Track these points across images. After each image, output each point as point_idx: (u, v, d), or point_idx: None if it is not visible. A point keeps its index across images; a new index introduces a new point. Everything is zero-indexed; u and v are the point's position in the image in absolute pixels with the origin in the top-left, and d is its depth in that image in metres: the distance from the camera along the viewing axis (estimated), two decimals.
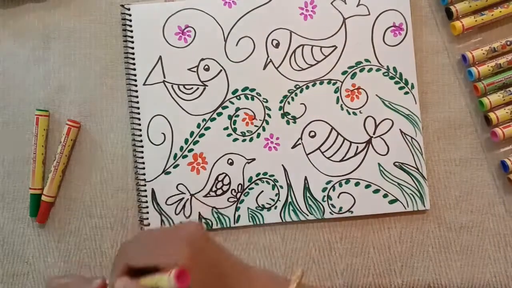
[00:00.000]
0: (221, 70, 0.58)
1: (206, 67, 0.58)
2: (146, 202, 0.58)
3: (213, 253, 0.41)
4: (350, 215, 0.58)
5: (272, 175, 0.58)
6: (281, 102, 0.59)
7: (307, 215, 0.58)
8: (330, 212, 0.58)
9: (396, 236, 0.58)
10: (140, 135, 0.58)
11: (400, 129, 0.58)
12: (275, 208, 0.58)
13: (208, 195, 0.58)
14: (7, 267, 0.59)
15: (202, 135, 0.58)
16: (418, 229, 0.59)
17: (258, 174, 0.58)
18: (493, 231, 0.58)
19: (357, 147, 0.58)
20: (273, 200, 0.58)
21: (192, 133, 0.58)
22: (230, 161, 0.58)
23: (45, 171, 0.59)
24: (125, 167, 0.59)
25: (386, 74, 0.58)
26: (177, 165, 0.58)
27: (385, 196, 0.58)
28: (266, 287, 0.43)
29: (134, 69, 0.58)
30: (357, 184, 0.58)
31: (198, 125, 0.58)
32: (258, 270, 0.45)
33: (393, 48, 0.58)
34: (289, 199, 0.58)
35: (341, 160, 0.58)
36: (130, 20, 0.58)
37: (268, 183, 0.58)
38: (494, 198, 0.59)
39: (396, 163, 0.58)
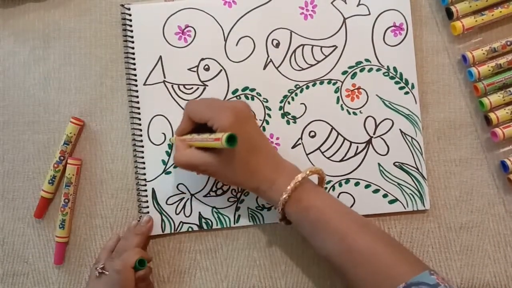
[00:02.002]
0: (221, 70, 0.58)
1: (206, 67, 0.58)
2: (147, 202, 0.58)
3: (251, 129, 0.51)
4: None
5: (275, 206, 0.58)
6: (281, 102, 0.59)
7: None
8: None
9: (396, 236, 0.58)
10: (141, 135, 0.58)
11: (400, 129, 0.58)
12: (275, 208, 0.58)
13: (208, 195, 0.58)
14: (7, 267, 0.59)
15: None
16: (418, 229, 0.59)
17: None
18: (493, 231, 0.58)
19: (357, 147, 0.58)
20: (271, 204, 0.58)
21: None
22: None
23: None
24: (125, 167, 0.59)
25: (387, 74, 0.58)
26: None
27: (385, 196, 0.58)
28: (287, 169, 0.52)
29: (134, 69, 0.58)
30: (357, 184, 0.58)
31: None
32: (284, 159, 0.53)
33: (394, 48, 0.58)
34: None
35: (341, 160, 0.58)
36: (130, 20, 0.58)
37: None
38: (494, 198, 0.59)
39: (396, 163, 0.58)
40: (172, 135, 0.58)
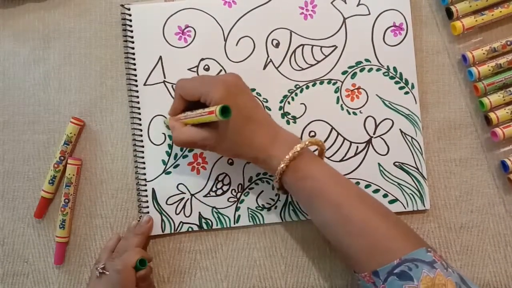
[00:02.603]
0: (221, 70, 0.58)
1: (206, 67, 0.58)
2: (147, 202, 0.58)
3: (245, 100, 0.51)
4: None
5: (272, 175, 0.58)
6: (281, 102, 0.59)
7: (307, 215, 0.58)
8: None
9: None
10: (141, 135, 0.58)
11: (400, 129, 0.58)
12: (275, 208, 0.58)
13: (208, 195, 0.58)
14: (7, 267, 0.59)
15: None
16: (418, 229, 0.59)
17: (258, 174, 0.58)
18: (493, 231, 0.58)
19: (357, 147, 0.58)
20: (273, 200, 0.58)
21: None
22: (230, 161, 0.58)
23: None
24: (125, 167, 0.59)
25: (386, 74, 0.58)
26: (178, 165, 0.58)
27: (385, 196, 0.58)
28: (285, 138, 0.52)
29: (135, 69, 0.58)
30: (357, 184, 0.58)
31: None
32: (281, 127, 0.53)
33: (393, 48, 0.58)
34: (289, 199, 0.58)
35: (341, 160, 0.58)
36: (130, 20, 0.58)
37: (268, 183, 0.58)
38: (494, 198, 0.59)
39: (396, 163, 0.58)
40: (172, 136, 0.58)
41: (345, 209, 0.48)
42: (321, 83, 0.59)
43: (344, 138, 0.58)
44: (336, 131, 0.58)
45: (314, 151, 0.54)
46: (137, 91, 0.58)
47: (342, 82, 0.59)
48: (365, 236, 0.47)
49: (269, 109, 0.58)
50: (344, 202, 0.49)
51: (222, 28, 0.58)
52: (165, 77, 0.58)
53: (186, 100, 0.53)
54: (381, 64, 0.58)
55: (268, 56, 0.59)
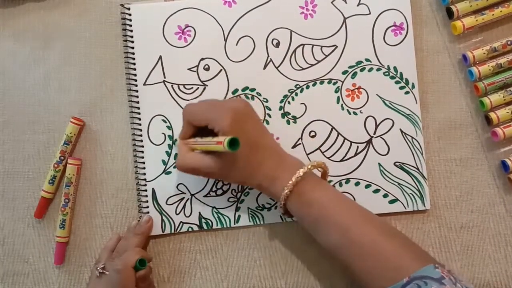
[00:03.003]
0: (221, 70, 0.58)
1: (206, 66, 0.58)
2: (147, 202, 0.58)
3: (252, 128, 0.51)
4: None
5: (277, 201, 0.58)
6: (281, 102, 0.59)
7: None
8: None
9: None
10: (141, 135, 0.58)
11: (400, 129, 0.58)
12: (275, 208, 0.58)
13: (209, 195, 0.58)
14: (7, 267, 0.59)
15: None
16: (419, 229, 0.59)
17: None
18: (493, 231, 0.58)
19: (358, 147, 0.58)
20: (273, 200, 0.58)
21: None
22: None
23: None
24: (125, 167, 0.59)
25: (387, 73, 0.58)
26: None
27: (385, 196, 0.58)
28: (290, 164, 0.52)
29: (134, 69, 0.58)
30: (357, 184, 0.58)
31: None
32: (287, 153, 0.53)
33: (394, 48, 0.58)
34: None
35: (342, 160, 0.58)
36: (130, 20, 0.58)
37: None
38: (494, 198, 0.59)
39: (397, 163, 0.58)
40: (172, 135, 0.58)
41: (352, 232, 0.48)
42: (322, 83, 0.59)
43: (345, 138, 0.58)
44: (337, 131, 0.58)
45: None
46: (137, 91, 0.58)
47: (343, 82, 0.58)
48: (373, 257, 0.47)
49: (269, 109, 0.58)
50: (350, 225, 0.49)
51: (222, 28, 0.58)
52: (165, 77, 0.58)
53: (194, 125, 0.53)
54: (381, 64, 0.58)
55: (268, 56, 0.58)
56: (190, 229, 0.58)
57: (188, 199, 0.58)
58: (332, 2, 0.58)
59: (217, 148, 0.47)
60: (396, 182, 0.58)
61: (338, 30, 0.58)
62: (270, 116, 0.58)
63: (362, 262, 0.48)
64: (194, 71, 0.58)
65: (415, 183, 0.58)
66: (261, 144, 0.51)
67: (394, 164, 0.58)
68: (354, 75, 0.58)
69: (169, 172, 0.58)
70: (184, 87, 0.58)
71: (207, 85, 0.58)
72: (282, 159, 0.52)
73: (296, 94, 0.59)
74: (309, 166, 0.50)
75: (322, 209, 0.50)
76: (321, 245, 0.51)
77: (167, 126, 0.58)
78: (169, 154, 0.58)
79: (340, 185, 0.58)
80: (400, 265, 0.47)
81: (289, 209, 0.51)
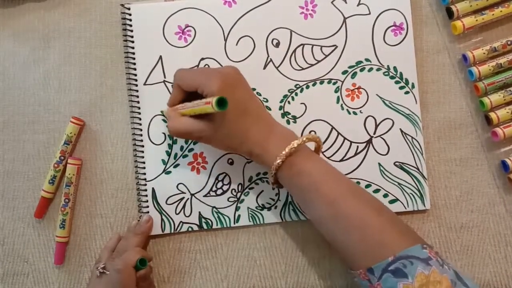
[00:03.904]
0: None
1: (206, 66, 0.58)
2: (147, 201, 0.58)
3: (241, 93, 0.51)
4: None
5: (268, 170, 0.58)
6: (281, 101, 0.59)
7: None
8: None
9: None
10: (141, 135, 0.58)
11: (400, 129, 0.58)
12: (275, 208, 0.58)
13: (208, 194, 0.58)
14: (7, 267, 0.59)
15: None
16: (419, 229, 0.59)
17: (258, 174, 0.58)
18: (493, 231, 0.58)
19: (358, 146, 0.58)
20: (273, 200, 0.58)
21: None
22: (230, 160, 0.58)
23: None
24: (125, 167, 0.59)
25: (387, 73, 0.58)
26: (178, 164, 0.58)
27: (385, 196, 0.58)
28: (281, 133, 0.52)
29: (135, 69, 0.58)
30: (357, 183, 0.58)
31: None
32: (277, 122, 0.54)
33: (394, 48, 0.58)
34: (289, 199, 0.58)
35: (342, 160, 0.58)
36: (130, 20, 0.58)
37: (268, 182, 0.58)
38: (494, 198, 0.59)
39: (397, 163, 0.58)
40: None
41: (339, 205, 0.48)
42: (321, 82, 0.59)
43: (344, 138, 0.58)
44: (336, 130, 0.58)
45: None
46: (137, 91, 0.58)
47: (342, 82, 0.59)
48: (358, 231, 0.47)
49: (269, 109, 0.58)
50: (337, 197, 0.49)
51: (222, 28, 0.58)
52: (165, 77, 0.58)
53: (184, 90, 0.53)
54: (381, 64, 0.58)
55: (268, 56, 0.58)
56: (190, 229, 0.58)
57: (188, 198, 0.58)
58: (332, 2, 0.58)
59: (206, 109, 0.48)
60: (396, 182, 0.58)
61: (338, 30, 0.58)
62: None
63: (347, 235, 0.48)
64: None
65: (415, 183, 0.58)
66: (250, 110, 0.52)
67: (394, 164, 0.58)
68: (354, 75, 0.58)
69: (169, 172, 0.58)
70: None
71: None
72: (272, 127, 0.52)
73: (296, 94, 0.59)
74: (304, 139, 0.50)
75: (311, 180, 0.50)
76: (309, 217, 0.52)
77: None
78: (169, 154, 0.58)
79: None
80: (385, 242, 0.46)
81: (279, 179, 0.52)
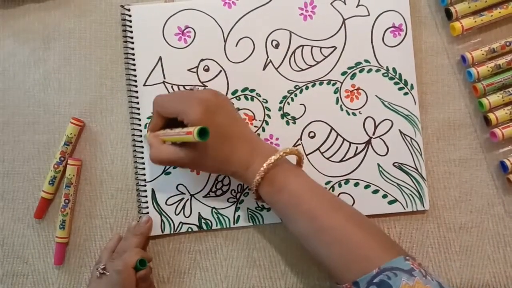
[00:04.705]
0: (220, 71, 0.59)
1: (206, 67, 0.59)
2: (146, 202, 0.58)
3: (222, 118, 0.51)
4: None
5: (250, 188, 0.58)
6: (280, 102, 0.59)
7: None
8: None
9: (395, 236, 0.59)
10: (140, 135, 0.58)
11: (399, 130, 0.58)
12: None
13: (208, 195, 0.58)
14: (7, 267, 0.59)
15: None
16: (418, 229, 0.59)
17: None
18: (492, 232, 0.59)
19: (357, 147, 0.58)
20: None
21: None
22: None
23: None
24: (125, 168, 0.59)
25: (386, 74, 0.59)
26: None
27: (384, 196, 0.58)
28: (263, 151, 0.51)
29: (134, 70, 0.58)
30: (356, 184, 0.58)
31: None
32: (261, 140, 0.54)
33: (393, 49, 0.59)
34: None
35: (341, 161, 0.58)
36: (130, 21, 0.58)
37: None
38: (493, 199, 0.59)
39: (396, 164, 0.58)
40: None
41: (321, 218, 0.48)
42: (321, 83, 0.59)
43: (344, 139, 0.58)
44: (336, 131, 0.59)
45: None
46: (136, 92, 0.58)
47: (342, 83, 0.59)
48: (341, 245, 0.47)
49: (269, 110, 0.59)
50: (319, 211, 0.49)
51: (222, 29, 0.58)
52: (164, 78, 0.58)
53: (164, 117, 0.53)
54: (380, 65, 0.59)
55: (267, 57, 0.59)
56: (189, 230, 0.58)
57: (187, 199, 0.58)
58: (331, 3, 0.59)
59: (188, 139, 0.47)
60: (395, 182, 0.58)
61: (337, 31, 0.59)
62: (269, 117, 0.59)
63: (329, 249, 0.48)
64: (194, 72, 0.58)
65: (414, 184, 0.58)
66: (231, 134, 0.51)
67: (393, 164, 0.58)
68: (353, 76, 0.59)
69: (169, 173, 0.58)
70: (184, 88, 0.58)
71: (206, 86, 0.58)
72: (255, 146, 0.52)
73: (296, 95, 0.59)
74: (281, 153, 0.50)
75: (292, 196, 0.50)
76: (291, 232, 0.52)
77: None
78: None
79: (340, 185, 0.58)
80: (368, 255, 0.46)
81: (261, 195, 0.52)
